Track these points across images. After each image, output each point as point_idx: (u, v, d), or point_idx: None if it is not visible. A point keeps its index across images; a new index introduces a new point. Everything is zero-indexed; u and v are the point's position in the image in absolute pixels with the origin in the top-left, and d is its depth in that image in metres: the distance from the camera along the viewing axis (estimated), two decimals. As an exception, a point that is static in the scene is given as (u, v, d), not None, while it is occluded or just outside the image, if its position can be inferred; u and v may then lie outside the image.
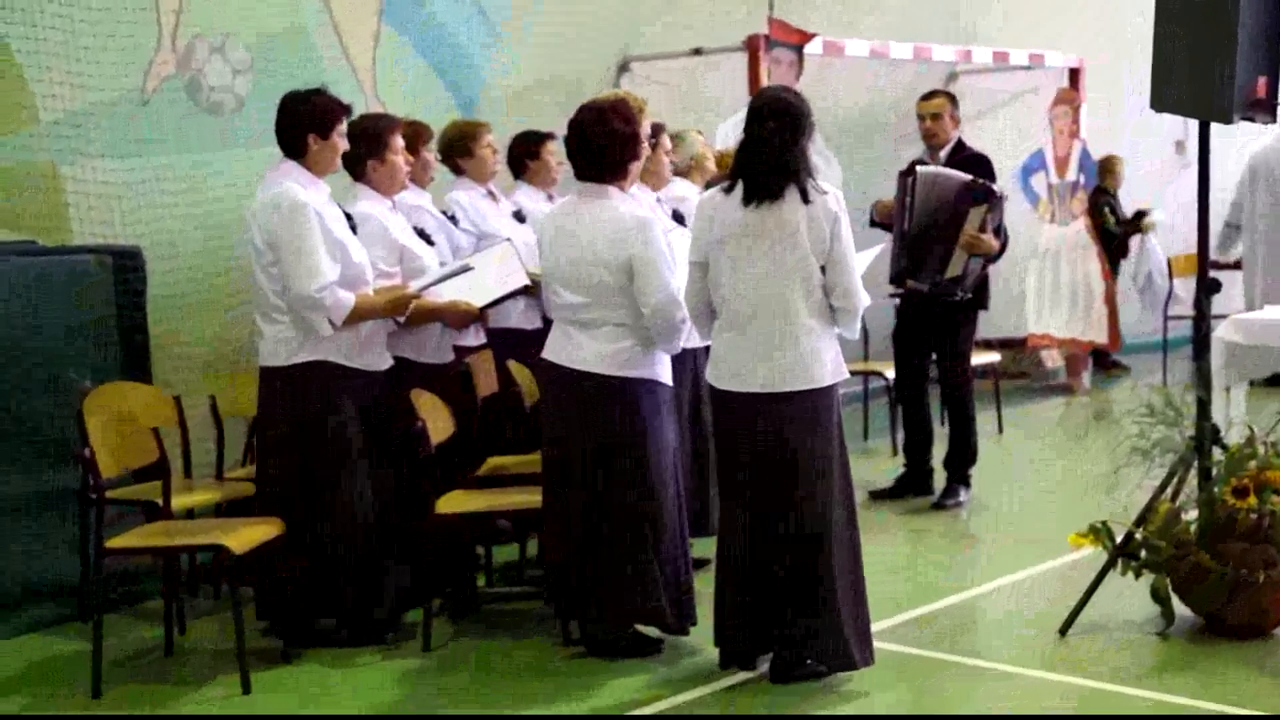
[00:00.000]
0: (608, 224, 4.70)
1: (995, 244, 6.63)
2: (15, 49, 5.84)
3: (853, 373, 4.80)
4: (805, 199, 4.42)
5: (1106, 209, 10.61)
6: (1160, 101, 5.01)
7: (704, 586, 4.99)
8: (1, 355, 5.39)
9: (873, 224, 6.92)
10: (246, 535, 4.72)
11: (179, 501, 5.17)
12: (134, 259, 5.86)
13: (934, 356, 7.11)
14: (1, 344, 5.38)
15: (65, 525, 5.41)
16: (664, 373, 4.83)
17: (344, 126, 5.02)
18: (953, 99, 7.06)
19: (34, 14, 5.87)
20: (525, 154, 6.32)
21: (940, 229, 6.50)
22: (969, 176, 6.52)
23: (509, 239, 5.75)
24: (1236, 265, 10.91)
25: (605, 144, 4.74)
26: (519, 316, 5.95)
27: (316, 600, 4.99)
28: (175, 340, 6.26)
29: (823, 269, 4.46)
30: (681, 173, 6.35)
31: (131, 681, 4.84)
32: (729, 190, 4.53)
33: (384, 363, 5.14)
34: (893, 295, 7.11)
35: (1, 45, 5.81)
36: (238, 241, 6.12)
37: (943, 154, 6.92)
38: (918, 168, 6.62)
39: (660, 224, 4.81)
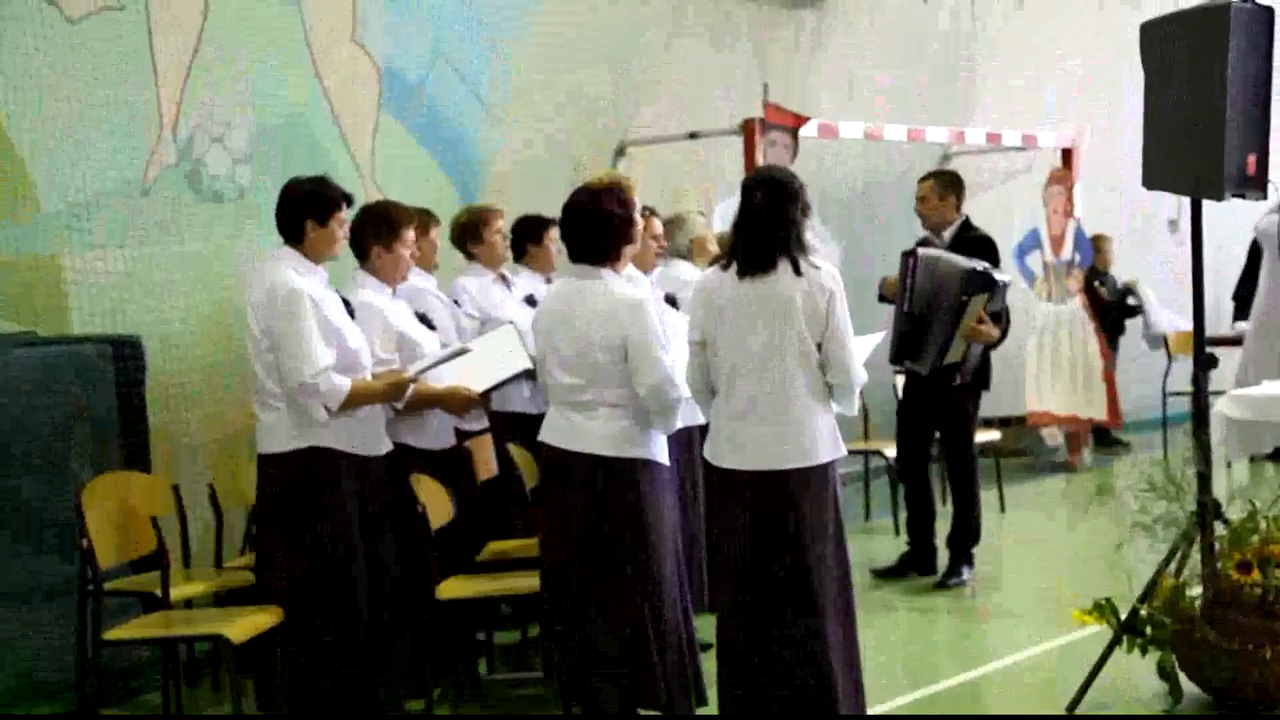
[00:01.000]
0: (602, 306, 4.73)
1: (995, 332, 6.67)
2: (16, 140, 5.89)
3: (853, 452, 4.82)
4: (797, 271, 4.45)
5: (1097, 285, 10.67)
6: (1152, 179, 5.05)
7: (709, 666, 4.94)
8: (1, 445, 5.39)
9: (881, 299, 6.96)
10: (246, 624, 4.69)
11: (178, 591, 5.13)
12: (134, 348, 5.87)
13: (937, 435, 7.12)
14: (1, 434, 5.38)
15: (64, 617, 5.37)
16: (661, 453, 4.83)
17: (344, 214, 5.05)
18: (945, 181, 7.11)
19: (35, 104, 5.92)
20: (527, 238, 6.35)
21: (942, 313, 6.54)
22: (972, 263, 6.54)
23: (512, 322, 5.77)
24: (1235, 341, 10.97)
25: (599, 227, 4.78)
26: (523, 401, 5.95)
27: (318, 689, 4.94)
28: (175, 429, 6.25)
29: (819, 346, 4.48)
30: (683, 255, 6.39)
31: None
32: (725, 267, 4.57)
33: (383, 447, 5.13)
34: (897, 372, 7.13)
35: (3, 136, 5.87)
36: (237, 330, 6.14)
37: (946, 234, 6.97)
38: (919, 250, 6.67)
39: (654, 305, 4.83)
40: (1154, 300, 10.96)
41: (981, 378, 6.93)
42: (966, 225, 7.02)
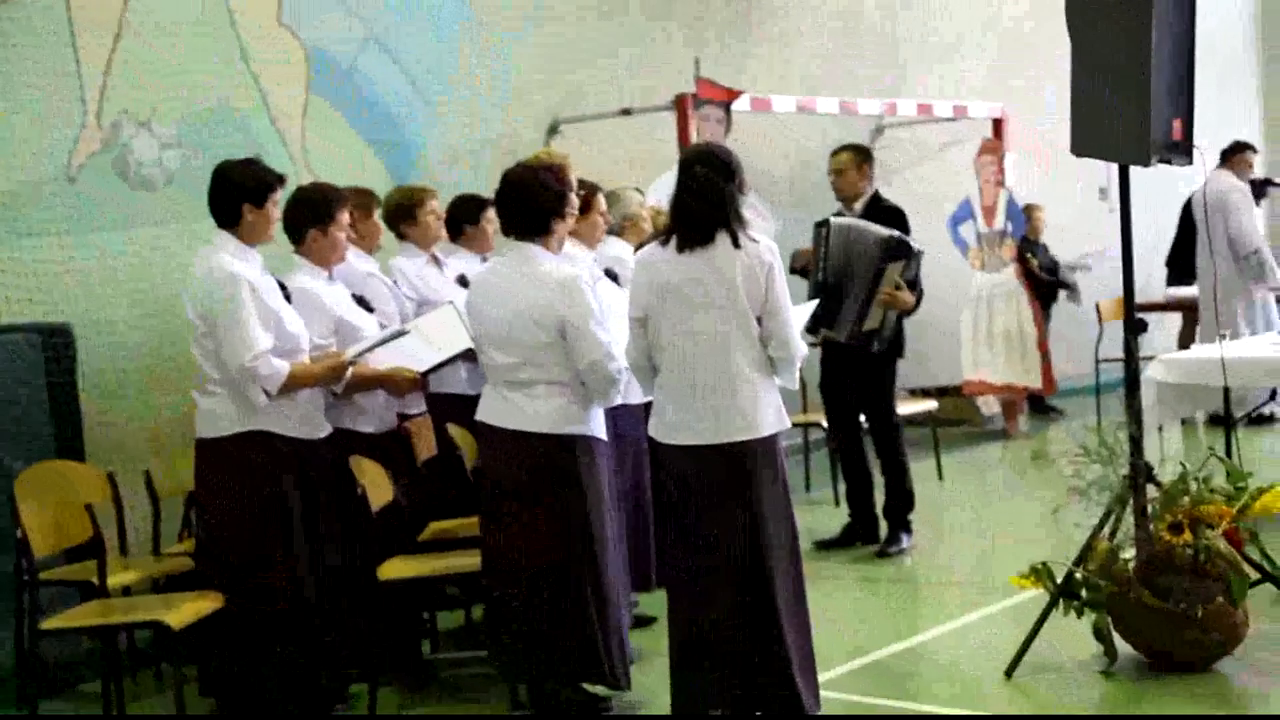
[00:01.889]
0: (536, 284, 4.72)
1: (911, 299, 6.74)
2: (-60, 130, 5.80)
3: (793, 424, 4.84)
4: (735, 243, 4.47)
5: (1029, 256, 10.78)
6: (1080, 146, 5.10)
7: (650, 643, 4.98)
8: (-69, 437, 5.32)
9: (793, 271, 6.99)
10: (185, 610, 4.66)
11: (115, 579, 5.08)
12: (65, 336, 5.81)
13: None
14: (-69, 426, 5.31)
15: (0, 611, 5.31)
16: (599, 428, 4.84)
17: (278, 196, 5.02)
18: (860, 153, 7.17)
19: (-43, 94, 5.84)
20: (464, 219, 6.31)
21: (858, 281, 6.60)
22: (886, 230, 6.63)
23: (451, 302, 5.75)
24: (1164, 307, 11.14)
25: (532, 202, 4.77)
26: (460, 383, 5.92)
27: (260, 674, 4.91)
28: (108, 417, 6.19)
29: (759, 320, 4.51)
30: (616, 232, 6.38)
31: (71, 766, 4.75)
32: (665, 243, 4.58)
33: (322, 430, 5.11)
34: (813, 345, 7.18)
35: (-74, 126, 5.78)
36: (170, 315, 6.08)
37: (858, 206, 7.03)
38: (831, 219, 6.74)
39: (589, 280, 4.83)
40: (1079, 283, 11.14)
41: (896, 346, 6.99)
42: (877, 197, 7.10)
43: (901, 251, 6.61)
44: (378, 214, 5.91)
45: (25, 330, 5.72)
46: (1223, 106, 13.34)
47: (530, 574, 4.71)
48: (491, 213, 6.21)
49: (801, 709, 4.49)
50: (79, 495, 5.09)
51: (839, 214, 6.97)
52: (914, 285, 6.76)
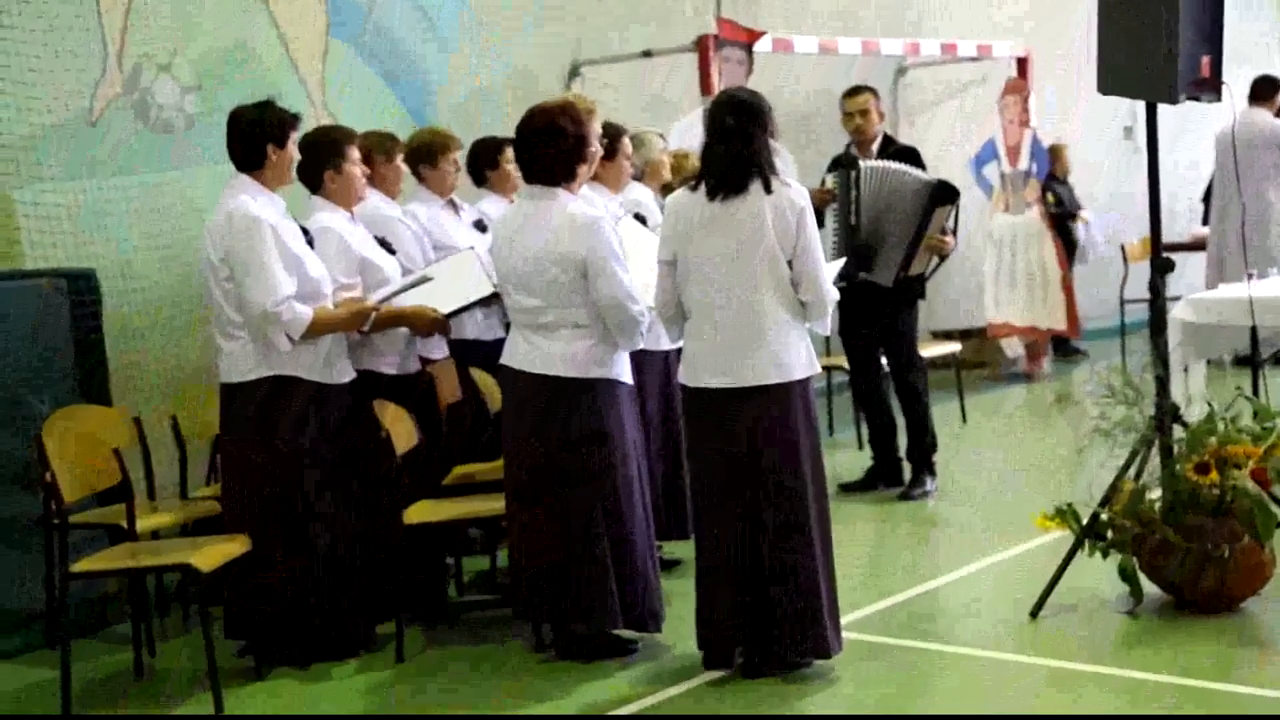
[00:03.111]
0: (558, 225, 4.70)
1: (953, 243, 6.71)
2: (-39, 76, 5.79)
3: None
4: (768, 189, 4.44)
5: (1050, 195, 10.70)
6: (1106, 85, 5.05)
7: (678, 586, 5.00)
8: (-42, 382, 5.34)
9: None
10: (212, 553, 4.69)
11: (143, 523, 5.11)
12: (89, 281, 5.81)
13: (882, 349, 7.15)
14: (-42, 371, 5.34)
15: (30, 552, 5.36)
16: (624, 371, 4.83)
17: (297, 135, 5.00)
18: (876, 94, 7.11)
19: (-23, 39, 5.82)
20: (485, 164, 6.29)
21: (899, 225, 6.56)
22: (927, 174, 6.59)
23: (472, 247, 5.73)
24: (1191, 246, 11.04)
25: (552, 147, 4.74)
26: (477, 327, 5.92)
27: (286, 616, 4.95)
28: (134, 361, 6.21)
29: (789, 264, 4.48)
30: (637, 177, 6.35)
31: (102, 706, 4.80)
32: (695, 188, 4.55)
33: (346, 375, 5.11)
34: (841, 287, 7.14)
35: (-53, 73, 5.77)
36: (193, 259, 6.08)
37: (873, 147, 6.97)
38: (861, 162, 6.68)
39: (609, 221, 4.81)
40: (1092, 229, 11.02)
41: (919, 288, 6.96)
42: (888, 138, 7.06)
43: (949, 195, 6.57)
44: (399, 158, 5.89)
45: (50, 275, 5.73)
46: (1239, 42, 13.16)
47: (552, 517, 4.72)
48: (510, 152, 6.19)
49: (828, 651, 4.52)
50: (106, 439, 5.11)
51: (852, 155, 6.90)
52: (952, 229, 6.73)
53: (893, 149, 6.96)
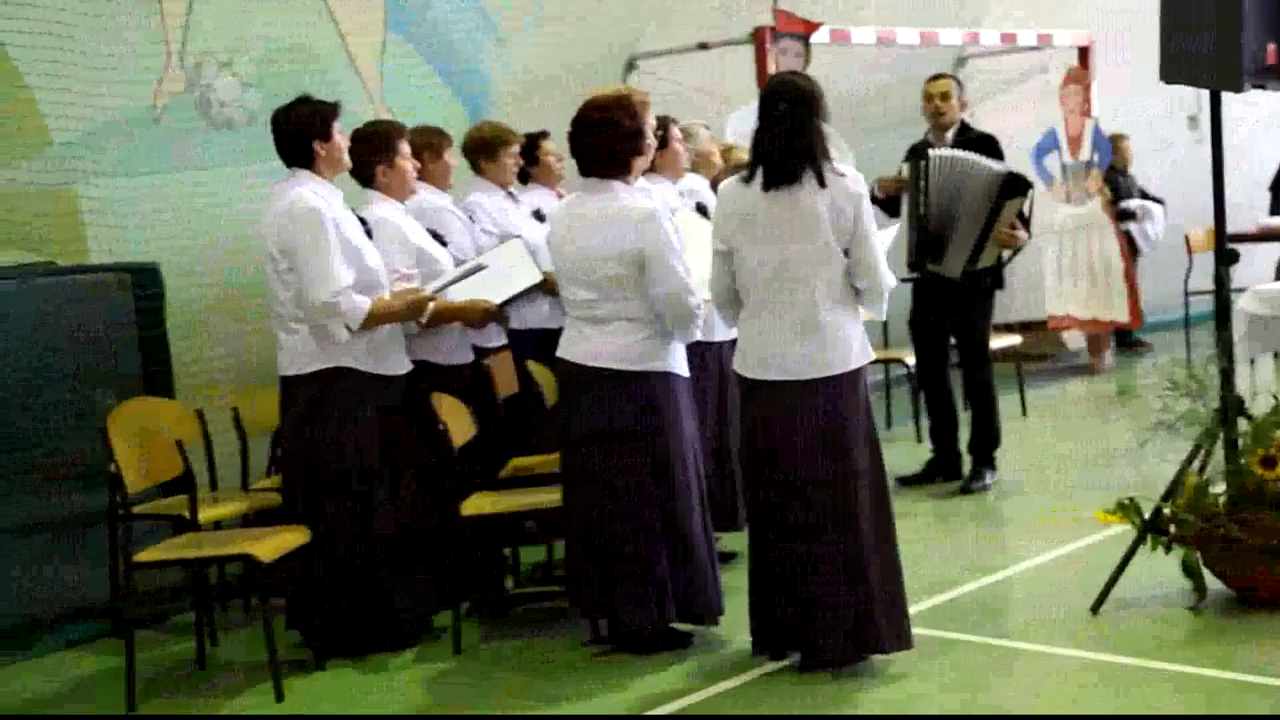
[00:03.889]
0: (614, 218, 4.71)
1: (1025, 236, 6.63)
2: (25, 72, 5.86)
3: (874, 360, 4.80)
4: (822, 183, 4.42)
5: (1111, 187, 10.57)
6: (1169, 74, 4.98)
7: (735, 579, 4.99)
8: (25, 377, 5.43)
9: (873, 200, 6.89)
10: (273, 544, 4.74)
11: (206, 514, 5.18)
12: (152, 275, 5.89)
13: (953, 340, 7.10)
14: (25, 365, 5.43)
15: (95, 543, 5.44)
16: (679, 364, 4.82)
17: (339, 124, 5.04)
18: (957, 81, 7.07)
19: (42, 36, 5.88)
20: (525, 159, 6.30)
21: (969, 217, 6.50)
22: (999, 165, 6.51)
23: (519, 236, 5.76)
24: (1257, 237, 10.87)
25: (607, 139, 4.74)
26: (541, 317, 5.94)
27: (345, 607, 4.99)
28: (196, 354, 6.28)
29: (845, 252, 4.46)
30: (690, 168, 6.35)
31: (165, 696, 4.86)
32: (748, 180, 4.53)
33: (403, 367, 5.15)
34: (905, 280, 7.10)
35: (12, 70, 5.84)
36: (254, 253, 6.14)
37: (949, 135, 6.91)
38: (930, 151, 6.62)
39: (666, 213, 4.81)
40: (1151, 220, 10.89)
41: (995, 279, 6.89)
42: (965, 126, 6.98)
43: (1019, 187, 6.50)
44: (448, 153, 5.90)
45: (114, 270, 5.81)
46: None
47: (607, 510, 4.73)
48: (548, 144, 6.23)
49: (881, 647, 4.49)
50: (169, 432, 5.18)
51: (925, 143, 6.86)
52: (1026, 222, 6.66)
53: (969, 136, 6.90)
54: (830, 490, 4.45)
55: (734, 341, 4.73)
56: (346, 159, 5.09)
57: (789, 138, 4.45)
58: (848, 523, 4.45)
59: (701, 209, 5.79)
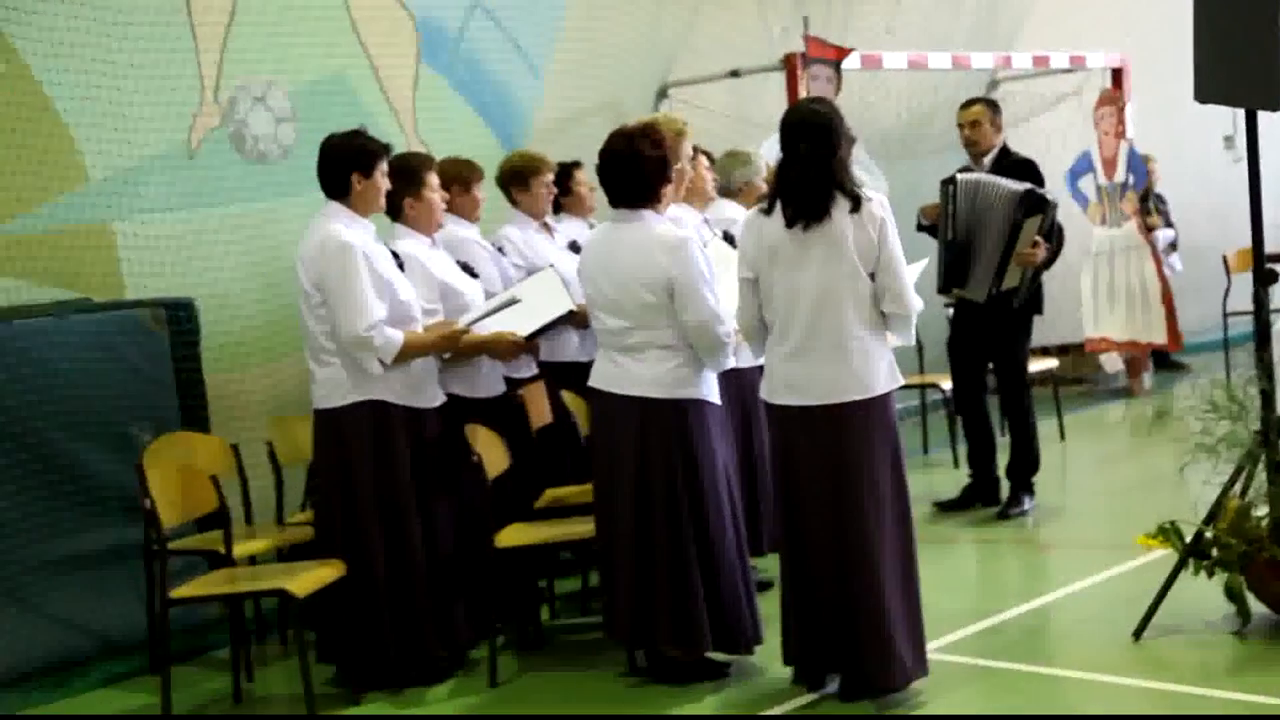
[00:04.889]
0: (644, 247, 4.70)
1: (1044, 255, 6.57)
2: (62, 109, 5.93)
3: (909, 385, 4.78)
4: (855, 209, 4.40)
5: (1147, 209, 10.49)
6: (1204, 93, 4.94)
7: (772, 607, 4.96)
8: (62, 412, 5.47)
9: (919, 229, 6.88)
10: (308, 578, 4.74)
11: (241, 549, 5.19)
12: (187, 310, 5.94)
13: (991, 365, 7.05)
14: (62, 401, 5.46)
15: (131, 579, 5.46)
16: (711, 392, 4.81)
17: (385, 165, 5.06)
18: (992, 106, 7.03)
19: (78, 74, 5.95)
20: (559, 189, 6.31)
21: (991, 239, 6.46)
22: (1019, 185, 6.47)
23: (552, 265, 5.76)
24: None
25: (633, 170, 4.75)
26: (574, 350, 5.93)
27: (381, 640, 4.98)
28: (231, 389, 6.31)
29: (872, 276, 4.44)
30: (731, 194, 6.35)
31: (202, 730, 4.87)
32: (768, 211, 4.52)
33: (436, 399, 5.15)
34: (947, 305, 7.07)
35: (49, 108, 5.90)
36: (289, 288, 6.17)
37: (987, 160, 6.88)
38: (958, 175, 6.60)
39: (698, 242, 4.80)
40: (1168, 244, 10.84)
41: (1034, 302, 6.85)
42: (1006, 150, 6.94)
43: (1037, 205, 6.46)
44: (478, 187, 5.90)
45: (150, 305, 5.85)
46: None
47: (643, 539, 4.71)
48: (580, 174, 6.25)
49: (907, 678, 4.44)
50: (204, 466, 5.20)
51: (965, 169, 6.85)
52: (1050, 237, 6.60)
53: (1009, 161, 6.86)
54: (852, 516, 4.41)
55: (760, 368, 4.71)
56: (383, 201, 5.09)
57: (813, 176, 4.41)
58: (867, 548, 4.41)
59: (729, 237, 5.78)
